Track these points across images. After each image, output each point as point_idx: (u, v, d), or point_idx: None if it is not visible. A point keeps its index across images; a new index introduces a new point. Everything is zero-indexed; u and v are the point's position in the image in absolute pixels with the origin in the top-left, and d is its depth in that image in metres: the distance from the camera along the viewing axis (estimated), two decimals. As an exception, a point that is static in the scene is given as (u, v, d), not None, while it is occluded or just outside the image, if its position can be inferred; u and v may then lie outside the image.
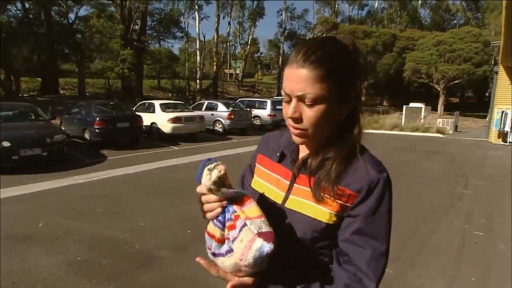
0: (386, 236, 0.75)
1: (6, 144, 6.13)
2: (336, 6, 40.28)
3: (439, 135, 14.47)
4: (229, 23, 33.82)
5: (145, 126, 10.28)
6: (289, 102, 0.74)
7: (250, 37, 37.24)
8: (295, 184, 0.80)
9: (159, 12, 26.06)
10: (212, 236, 0.76)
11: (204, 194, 0.74)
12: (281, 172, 0.85)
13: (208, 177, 0.72)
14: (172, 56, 26.34)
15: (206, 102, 14.21)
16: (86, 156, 7.93)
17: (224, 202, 0.73)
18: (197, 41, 30.20)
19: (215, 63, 30.01)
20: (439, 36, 26.16)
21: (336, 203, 0.73)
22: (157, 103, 11.39)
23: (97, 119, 8.69)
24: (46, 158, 6.59)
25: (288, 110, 0.74)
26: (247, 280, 0.72)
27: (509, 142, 11.60)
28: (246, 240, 0.66)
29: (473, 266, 3.09)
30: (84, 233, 3.64)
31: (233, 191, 0.73)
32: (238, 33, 38.74)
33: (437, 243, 3.55)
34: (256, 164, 0.94)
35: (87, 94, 20.32)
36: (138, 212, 4.35)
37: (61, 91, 20.23)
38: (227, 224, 0.72)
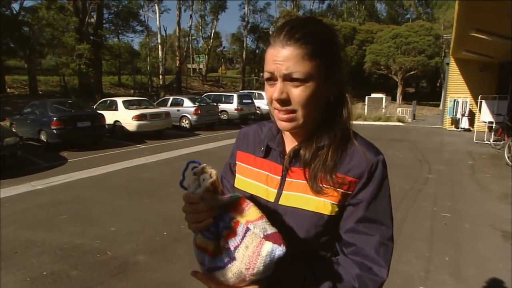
0: (390, 219, 0.73)
1: None
2: (298, -1, 40.74)
3: (400, 123, 15.25)
4: (190, 16, 32.99)
5: (107, 124, 9.72)
6: (273, 85, 0.68)
7: (213, 31, 36.64)
8: (287, 179, 0.74)
9: (116, 4, 24.67)
10: (204, 250, 0.66)
11: (192, 202, 0.63)
12: (269, 168, 0.78)
13: (197, 183, 0.63)
14: (133, 51, 25.06)
15: (171, 98, 13.76)
16: (44, 159, 7.33)
17: (215, 211, 0.64)
18: (158, 35, 29.08)
19: (177, 58, 29.14)
20: (396, 29, 27.48)
21: (337, 192, 0.69)
22: (119, 100, 10.82)
23: (54, 119, 8.04)
24: (-4, 163, 5.98)
25: (272, 93, 0.68)
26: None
27: (461, 128, 12.49)
28: (252, 246, 0.58)
29: (445, 246, 3.26)
30: (48, 244, 3.33)
31: (227, 196, 0.64)
32: (200, 27, 37.91)
33: (411, 228, 3.70)
34: (237, 162, 0.86)
35: (40, 92, 18.79)
36: (108, 217, 4.07)
37: (8, 90, 18.53)
38: (224, 233, 0.63)
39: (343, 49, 0.73)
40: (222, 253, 0.63)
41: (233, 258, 0.61)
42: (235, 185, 0.84)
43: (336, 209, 0.70)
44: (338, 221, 0.72)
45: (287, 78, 0.65)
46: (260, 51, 37.74)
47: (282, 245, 0.57)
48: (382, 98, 17.53)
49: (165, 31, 33.55)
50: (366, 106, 17.51)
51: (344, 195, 0.70)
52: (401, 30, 26.84)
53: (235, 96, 14.96)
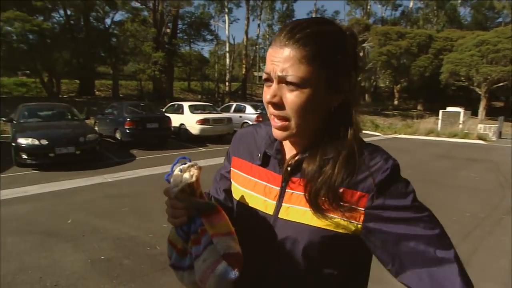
0: (434, 219, 0.64)
1: (44, 142, 6.43)
2: (368, 7, 39.13)
3: (480, 141, 13.51)
4: (258, 25, 33.97)
5: (173, 127, 10.45)
6: (269, 86, 0.64)
7: (280, 39, 37.07)
8: (287, 190, 0.68)
9: (189, 16, 26.71)
10: (174, 246, 0.67)
11: (170, 198, 0.64)
12: (267, 178, 0.72)
13: (178, 180, 0.62)
14: (202, 59, 26.78)
15: (234, 104, 14.26)
16: (117, 156, 8.16)
17: (191, 211, 0.64)
18: (227, 44, 30.55)
19: (244, 66, 30.19)
20: (482, 35, 24.54)
21: (343, 209, 0.62)
22: (186, 104, 11.56)
23: (128, 119, 8.93)
24: (79, 156, 6.83)
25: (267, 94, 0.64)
26: None
27: (562, 151, 10.54)
28: (209, 261, 0.58)
29: (524, 291, 2.74)
30: (109, 232, 3.67)
31: (203, 201, 0.64)
32: (268, 36, 38.78)
33: (482, 264, 3.20)
34: (232, 168, 0.81)
35: (121, 95, 21.16)
36: (162, 214, 4.25)
37: (96, 93, 21.25)
38: (192, 236, 0.63)
39: (357, 56, 0.66)
40: (186, 256, 0.65)
41: (192, 266, 0.62)
42: (233, 195, 0.80)
43: (343, 226, 0.63)
44: (347, 240, 0.64)
45: (282, 80, 0.61)
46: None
47: (236, 270, 0.56)
48: (459, 112, 15.78)
49: (234, 40, 35.24)
50: (440, 121, 15.93)
51: (353, 212, 0.62)
52: (488, 36, 23.86)
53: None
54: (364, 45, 27.35)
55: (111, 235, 3.58)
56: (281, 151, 0.72)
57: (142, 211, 4.41)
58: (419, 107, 30.97)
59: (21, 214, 4.17)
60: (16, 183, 5.55)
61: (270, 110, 0.64)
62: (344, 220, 0.62)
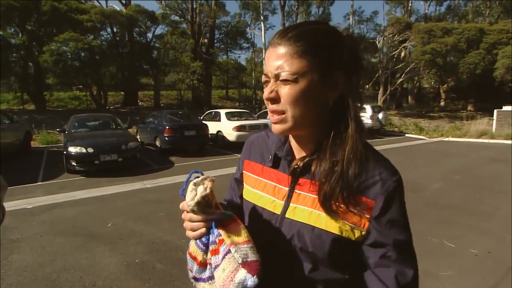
0: (409, 246, 0.69)
1: (90, 150, 6.91)
2: (410, 4, 37.33)
3: (543, 143, 12.10)
4: (293, 32, 33.81)
5: (211, 134, 10.70)
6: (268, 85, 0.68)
7: (316, 44, 36.65)
8: (295, 191, 0.71)
9: (226, 25, 27.39)
10: (194, 258, 0.70)
11: (187, 212, 0.68)
12: (277, 178, 0.75)
13: (193, 194, 0.65)
14: (239, 67, 27.31)
15: (270, 110, 14.26)
16: (156, 163, 8.51)
17: (209, 223, 0.66)
18: (263, 51, 30.85)
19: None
20: (542, 26, 22.20)
21: (351, 213, 0.64)
22: (222, 112, 11.79)
23: (167, 127, 9.30)
24: (121, 163, 7.24)
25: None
26: None
27: None
28: (228, 270, 0.60)
29: None
30: (145, 236, 3.80)
31: (219, 212, 0.67)
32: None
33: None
34: (244, 171, 0.85)
35: (162, 104, 22.19)
36: None
37: (140, 103, 22.50)
38: (211, 247, 0.66)
39: (357, 57, 0.67)
40: (207, 267, 0.67)
41: (213, 276, 0.64)
42: (243, 196, 0.82)
43: (348, 231, 0.65)
44: (350, 244, 0.66)
45: (278, 77, 0.64)
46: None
47: (255, 276, 0.57)
48: (518, 111, 14.30)
49: (269, 47, 35.31)
50: (494, 121, 14.55)
51: (359, 217, 0.65)
52: (550, 27, 21.55)
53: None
54: (405, 44, 26.08)
55: (147, 239, 3.70)
56: (291, 152, 0.74)
57: (177, 216, 4.46)
58: (469, 108, 28.66)
59: (68, 217, 4.48)
60: (66, 188, 6.00)
61: (269, 106, 0.67)
62: (349, 225, 0.65)
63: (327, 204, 0.64)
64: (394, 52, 26.18)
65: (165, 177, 6.86)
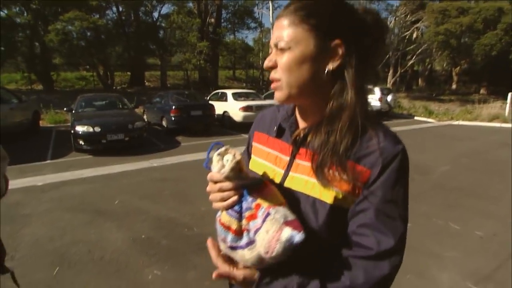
0: (404, 222, 0.65)
1: (97, 129, 6.95)
2: (425, -18, 35.79)
3: (558, 128, 11.80)
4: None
5: (217, 114, 10.64)
6: None
7: (325, 24, 35.74)
8: (295, 160, 0.72)
9: (233, 4, 26.74)
10: (228, 228, 0.68)
11: (217, 181, 0.67)
12: (280, 148, 0.76)
13: (220, 164, 0.66)
14: (246, 47, 26.85)
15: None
16: (163, 142, 8.55)
17: (240, 190, 0.66)
18: (271, 31, 30.19)
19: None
20: None
21: (344, 182, 0.64)
22: (229, 92, 11.68)
23: (173, 107, 9.27)
24: (127, 142, 7.29)
25: None
26: (252, 273, 0.67)
27: None
28: (272, 231, 0.59)
29: None
30: (151, 213, 3.86)
31: (251, 177, 0.69)
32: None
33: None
34: (253, 143, 0.86)
35: (168, 85, 22.09)
36: (202, 197, 4.45)
37: (146, 83, 22.44)
38: (246, 214, 0.65)
39: (361, 24, 0.66)
40: (243, 234, 0.65)
41: (253, 241, 0.63)
42: (249, 167, 0.83)
43: (341, 199, 0.65)
44: (342, 213, 0.66)
45: (277, 46, 0.66)
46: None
47: (301, 231, 0.58)
48: (533, 95, 13.86)
49: (277, 27, 34.53)
50: (508, 105, 14.15)
51: (353, 186, 0.64)
52: None
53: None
54: (418, 25, 25.22)
55: (152, 216, 3.76)
56: (295, 124, 0.75)
57: (183, 194, 4.57)
58: (482, 91, 27.94)
59: (76, 194, 4.57)
60: (74, 166, 6.09)
61: (270, 76, 0.69)
62: (342, 194, 0.64)
63: (319, 172, 0.65)
64: (406, 33, 25.34)
65: (171, 156, 6.91)
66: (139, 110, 10.90)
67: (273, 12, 28.80)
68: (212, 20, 23.57)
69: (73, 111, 8.15)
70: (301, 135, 0.71)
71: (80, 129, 6.90)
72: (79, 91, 17.00)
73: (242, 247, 0.66)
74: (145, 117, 10.93)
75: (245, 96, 11.68)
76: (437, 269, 2.68)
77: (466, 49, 24.84)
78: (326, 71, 0.65)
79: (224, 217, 0.68)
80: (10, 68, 20.36)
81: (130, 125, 7.37)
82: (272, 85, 0.69)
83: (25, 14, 16.92)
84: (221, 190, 0.66)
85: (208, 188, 0.69)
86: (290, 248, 0.58)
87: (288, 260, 0.60)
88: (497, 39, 24.27)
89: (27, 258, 2.85)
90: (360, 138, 0.64)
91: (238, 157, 0.65)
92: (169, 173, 5.68)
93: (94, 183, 5.09)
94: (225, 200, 0.66)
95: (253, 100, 11.41)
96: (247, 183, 0.65)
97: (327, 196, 0.65)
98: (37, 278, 2.54)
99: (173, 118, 9.25)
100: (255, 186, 0.66)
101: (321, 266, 0.66)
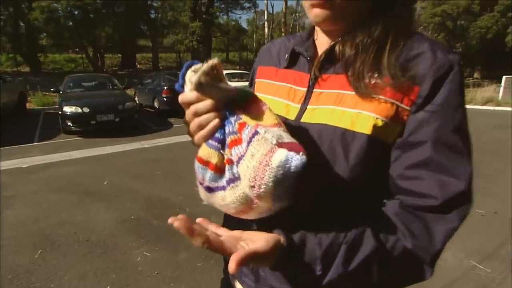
0: (469, 154, 0.48)
1: (86, 110, 6.70)
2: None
3: (552, 110, 11.81)
4: (298, -9, 32.19)
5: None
6: None
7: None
8: (315, 90, 0.56)
9: (227, -17, 25.95)
10: (206, 163, 0.49)
11: (190, 103, 0.49)
12: (293, 79, 0.60)
13: (192, 78, 0.46)
14: (240, 29, 26.25)
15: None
16: (155, 124, 8.33)
17: (221, 111, 0.48)
18: (265, 13, 29.47)
19: (283, 35, 29.14)
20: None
21: (384, 104, 0.48)
22: (224, 72, 11.40)
23: (165, 88, 8.98)
24: (118, 123, 7.05)
25: None
26: (262, 244, 0.44)
27: None
28: (260, 154, 0.41)
29: None
30: (141, 193, 3.70)
31: (233, 88, 0.47)
32: (307, 2, 36.75)
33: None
34: (256, 79, 0.70)
35: (160, 67, 21.58)
36: (194, 178, 4.28)
37: (138, 66, 21.87)
38: (229, 139, 0.47)
39: None
40: (225, 168, 0.48)
41: (236, 176, 0.46)
42: None
43: (381, 128, 0.48)
44: (383, 150, 0.50)
45: None
46: None
47: (301, 153, 0.39)
48: (527, 77, 13.80)
49: (272, 8, 33.85)
50: (502, 88, 14.07)
51: (396, 109, 0.48)
52: None
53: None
54: (414, 6, 24.81)
55: (143, 197, 3.61)
56: (313, 49, 0.59)
57: (175, 174, 4.41)
58: (475, 75, 27.89)
59: (63, 175, 4.38)
60: (62, 148, 5.87)
61: None
62: (382, 120, 0.48)
63: (358, 85, 0.49)
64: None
65: (163, 138, 6.71)
66: (130, 92, 10.58)
67: (267, -8, 28.08)
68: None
69: (61, 92, 7.85)
70: (323, 56, 0.55)
71: (68, 109, 6.64)
72: (68, 73, 16.42)
73: (222, 188, 0.48)
74: (136, 99, 10.63)
75: (239, 77, 11.45)
76: (439, 248, 2.60)
77: (462, 32, 24.61)
78: None
79: (203, 150, 0.50)
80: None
81: (121, 106, 7.12)
82: (315, 1, 0.51)
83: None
84: (196, 113, 0.49)
85: (184, 119, 0.52)
86: (286, 178, 0.40)
87: (315, 215, 0.45)
88: (493, 21, 24.05)
89: (8, 241, 2.69)
90: (403, 46, 0.50)
91: (215, 61, 0.45)
92: (161, 154, 5.50)
93: (83, 164, 4.90)
94: (203, 128, 0.49)
95: (247, 80, 11.13)
96: (229, 95, 0.47)
97: (363, 123, 0.48)
98: (17, 262, 2.39)
99: (165, 99, 8.98)
100: (241, 101, 0.48)
101: (357, 223, 0.49)
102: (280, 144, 0.41)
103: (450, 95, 0.47)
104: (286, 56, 0.63)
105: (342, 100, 0.51)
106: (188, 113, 0.50)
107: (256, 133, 0.43)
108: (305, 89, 0.57)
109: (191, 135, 0.52)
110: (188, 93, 0.48)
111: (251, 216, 0.49)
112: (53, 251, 2.53)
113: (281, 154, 0.39)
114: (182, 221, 0.43)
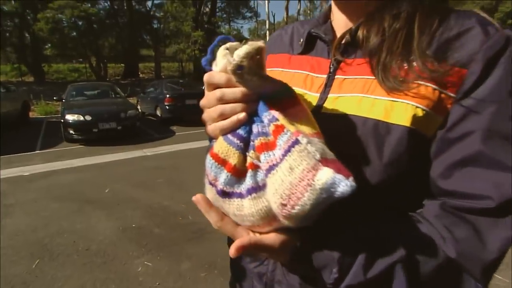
0: None
1: (88, 117, 6.66)
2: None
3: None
4: (299, 1, 32.49)
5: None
6: None
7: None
8: (337, 76, 0.48)
9: (228, -7, 26.27)
10: (223, 162, 0.41)
11: (217, 86, 0.41)
12: (310, 65, 0.53)
13: (226, 60, 0.38)
14: (242, 38, 26.46)
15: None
16: (157, 132, 8.27)
17: (253, 103, 0.40)
18: (267, 22, 29.75)
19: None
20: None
21: (424, 89, 0.40)
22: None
23: (167, 96, 8.96)
24: (120, 131, 7.00)
25: None
26: (272, 236, 0.40)
27: None
28: (301, 169, 0.34)
29: None
30: (143, 201, 3.62)
31: (276, 81, 0.39)
32: (308, 11, 37.08)
33: None
34: (268, 69, 0.60)
35: (163, 76, 21.69)
36: (197, 185, 4.13)
37: (140, 75, 22.01)
38: (257, 141, 0.39)
39: None
40: (246, 173, 0.40)
41: (260, 186, 0.38)
42: None
43: (422, 119, 0.40)
44: (422, 144, 0.42)
45: None
46: None
47: (351, 178, 0.33)
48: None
49: (274, 17, 34.20)
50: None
51: (437, 95, 0.40)
52: None
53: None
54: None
55: (144, 205, 3.53)
56: (331, 32, 0.53)
57: (177, 182, 4.33)
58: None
59: (64, 184, 4.32)
60: (64, 156, 5.82)
61: None
62: (422, 109, 0.40)
63: (384, 76, 0.42)
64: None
65: (165, 145, 6.65)
66: (132, 100, 10.59)
67: (268, 2, 28.39)
68: (207, 9, 23.10)
69: (64, 100, 7.85)
70: (344, 40, 0.48)
71: (70, 117, 6.61)
72: (71, 82, 16.58)
73: (239, 195, 0.40)
74: (139, 107, 10.62)
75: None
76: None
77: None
78: None
79: (220, 145, 0.42)
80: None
81: (123, 114, 7.08)
82: None
83: (13, 1, 16.39)
84: (222, 99, 0.40)
85: (202, 101, 0.44)
86: (325, 203, 0.34)
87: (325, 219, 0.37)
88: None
89: (5, 250, 2.62)
90: (440, 26, 0.42)
91: (261, 44, 0.37)
92: (163, 162, 5.43)
93: (85, 172, 4.84)
94: (225, 118, 0.41)
95: None
96: (266, 91, 0.39)
97: (400, 114, 0.41)
98: (13, 272, 2.31)
99: (167, 107, 8.95)
100: (281, 99, 0.39)
101: (385, 227, 0.42)
102: (325, 162, 0.35)
103: (506, 76, 0.38)
104: (301, 40, 0.56)
105: (372, 86, 0.44)
106: (212, 96, 0.42)
107: (296, 142, 0.36)
108: (325, 75, 0.50)
109: (205, 122, 0.44)
110: (217, 74, 0.40)
111: (264, 231, 0.41)
112: (51, 261, 2.45)
113: (327, 175, 0.33)
114: (202, 196, 0.43)
